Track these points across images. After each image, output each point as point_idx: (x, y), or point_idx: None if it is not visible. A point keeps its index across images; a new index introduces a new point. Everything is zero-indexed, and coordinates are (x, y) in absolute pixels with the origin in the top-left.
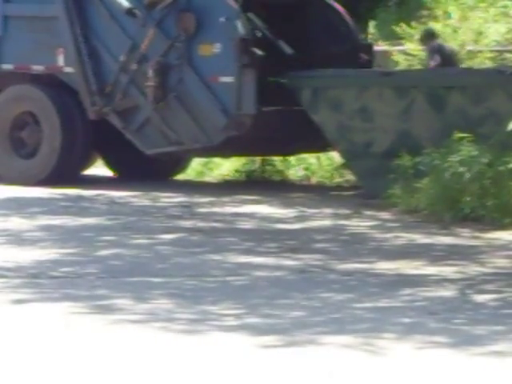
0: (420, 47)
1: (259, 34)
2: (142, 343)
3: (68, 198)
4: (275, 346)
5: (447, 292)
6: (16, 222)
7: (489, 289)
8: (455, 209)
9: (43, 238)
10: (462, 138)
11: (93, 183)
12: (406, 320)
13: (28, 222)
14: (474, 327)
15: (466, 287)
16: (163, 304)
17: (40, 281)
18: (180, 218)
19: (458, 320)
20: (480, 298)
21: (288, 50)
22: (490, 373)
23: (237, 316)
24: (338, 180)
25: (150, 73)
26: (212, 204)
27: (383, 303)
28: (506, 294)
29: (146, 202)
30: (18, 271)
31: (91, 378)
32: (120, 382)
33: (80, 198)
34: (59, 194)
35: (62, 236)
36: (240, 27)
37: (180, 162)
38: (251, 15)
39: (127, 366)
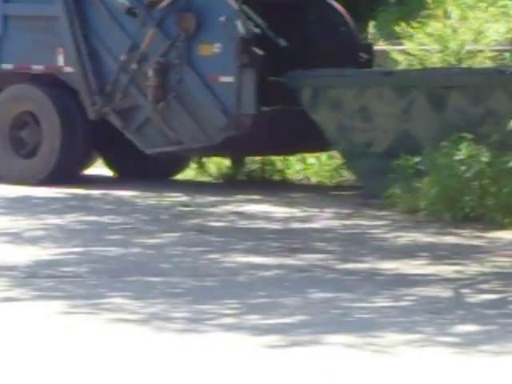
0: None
1: (257, 30)
2: (141, 343)
3: (67, 198)
4: (275, 346)
5: (447, 292)
6: (17, 222)
7: (489, 288)
8: (455, 208)
9: (44, 237)
10: (462, 138)
11: (93, 183)
12: (406, 320)
13: (29, 222)
14: (473, 327)
15: (465, 287)
16: (163, 303)
17: (40, 280)
18: (180, 217)
19: (458, 319)
20: (480, 297)
21: (282, 42)
22: (490, 373)
23: (237, 316)
24: (338, 180)
25: (150, 72)
26: (212, 203)
27: (383, 303)
28: (506, 294)
29: (146, 202)
30: (18, 270)
31: (90, 377)
32: (119, 381)
33: (79, 197)
34: (59, 194)
35: (62, 235)
36: (240, 27)
37: (180, 161)
38: (247, 8)
39: (127, 366)
